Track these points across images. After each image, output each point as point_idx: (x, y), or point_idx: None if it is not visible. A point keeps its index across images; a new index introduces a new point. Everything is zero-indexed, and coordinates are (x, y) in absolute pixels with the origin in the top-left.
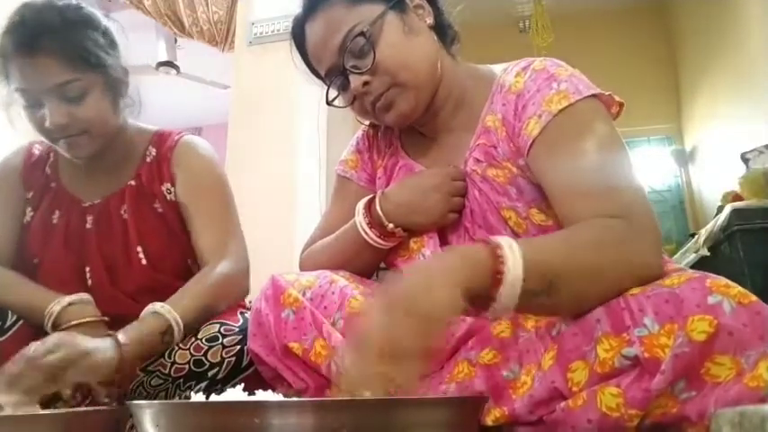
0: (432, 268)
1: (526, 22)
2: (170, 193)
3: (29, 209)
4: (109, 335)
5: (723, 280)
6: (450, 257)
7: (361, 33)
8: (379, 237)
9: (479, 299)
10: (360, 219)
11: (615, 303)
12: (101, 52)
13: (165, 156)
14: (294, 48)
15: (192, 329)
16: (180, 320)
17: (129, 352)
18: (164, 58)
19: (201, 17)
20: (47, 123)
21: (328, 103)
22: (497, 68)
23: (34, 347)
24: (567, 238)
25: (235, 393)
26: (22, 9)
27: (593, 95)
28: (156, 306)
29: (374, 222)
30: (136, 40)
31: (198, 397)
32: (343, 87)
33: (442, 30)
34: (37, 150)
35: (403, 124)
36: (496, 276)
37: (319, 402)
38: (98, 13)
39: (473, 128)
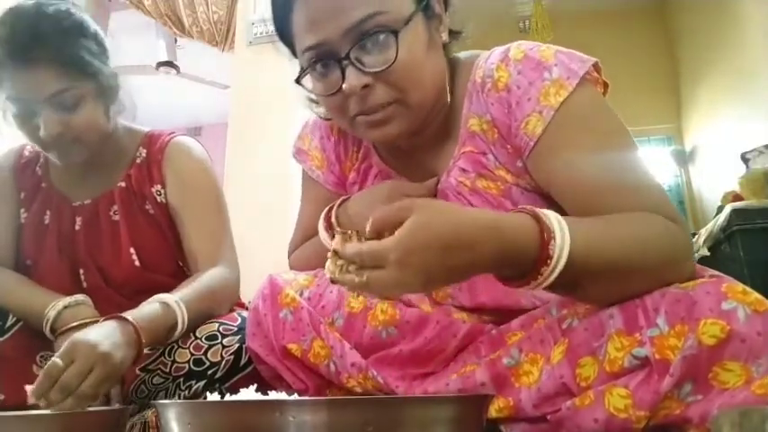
0: (469, 239)
1: (526, 22)
2: (160, 195)
3: (22, 210)
4: (122, 318)
5: (740, 285)
6: (494, 231)
7: (390, 29)
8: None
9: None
10: (321, 223)
11: (629, 300)
12: (94, 60)
13: (155, 157)
14: None
15: (191, 328)
16: (186, 318)
17: (145, 343)
18: (164, 58)
19: (201, 17)
20: (41, 133)
21: (297, 80)
22: (466, 58)
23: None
24: (629, 232)
25: (249, 393)
26: (11, 17)
27: (586, 77)
28: (165, 296)
29: (328, 228)
30: (136, 40)
31: (213, 397)
32: (325, 73)
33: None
34: (27, 152)
35: (383, 143)
36: (538, 261)
37: (338, 401)
38: (87, 17)
39: (454, 132)
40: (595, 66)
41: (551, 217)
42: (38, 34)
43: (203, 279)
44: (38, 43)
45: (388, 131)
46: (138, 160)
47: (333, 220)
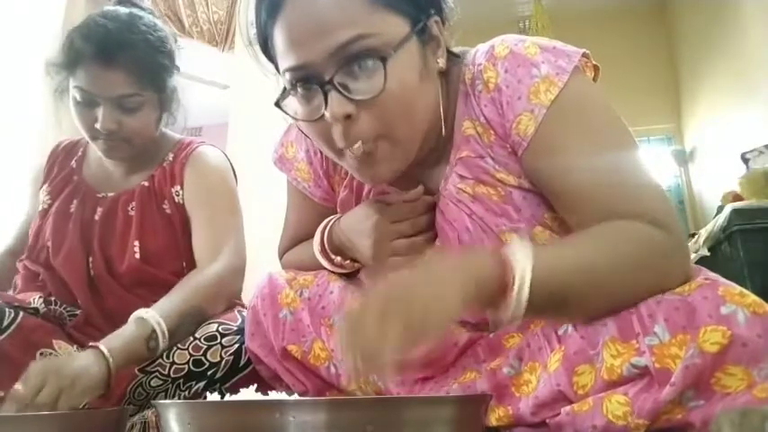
0: (437, 278)
1: (526, 22)
2: (178, 195)
3: (46, 197)
4: (93, 346)
5: (736, 288)
6: (459, 268)
7: (378, 54)
8: (329, 264)
9: (482, 307)
10: (315, 245)
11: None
12: (166, 75)
13: (179, 161)
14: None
15: (184, 332)
16: (164, 324)
17: (116, 362)
18: None
19: (201, 17)
20: (97, 125)
21: (277, 103)
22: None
23: (20, 386)
24: (602, 250)
25: (249, 393)
26: (108, 20)
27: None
28: (141, 312)
29: (323, 250)
30: None
31: (213, 397)
32: (307, 97)
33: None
34: (64, 145)
35: (376, 184)
36: (503, 292)
37: (338, 401)
38: (169, 33)
39: (447, 138)
40: (583, 54)
41: (514, 248)
42: (126, 41)
43: (190, 280)
44: (124, 49)
45: (378, 172)
46: (165, 164)
47: (325, 242)
